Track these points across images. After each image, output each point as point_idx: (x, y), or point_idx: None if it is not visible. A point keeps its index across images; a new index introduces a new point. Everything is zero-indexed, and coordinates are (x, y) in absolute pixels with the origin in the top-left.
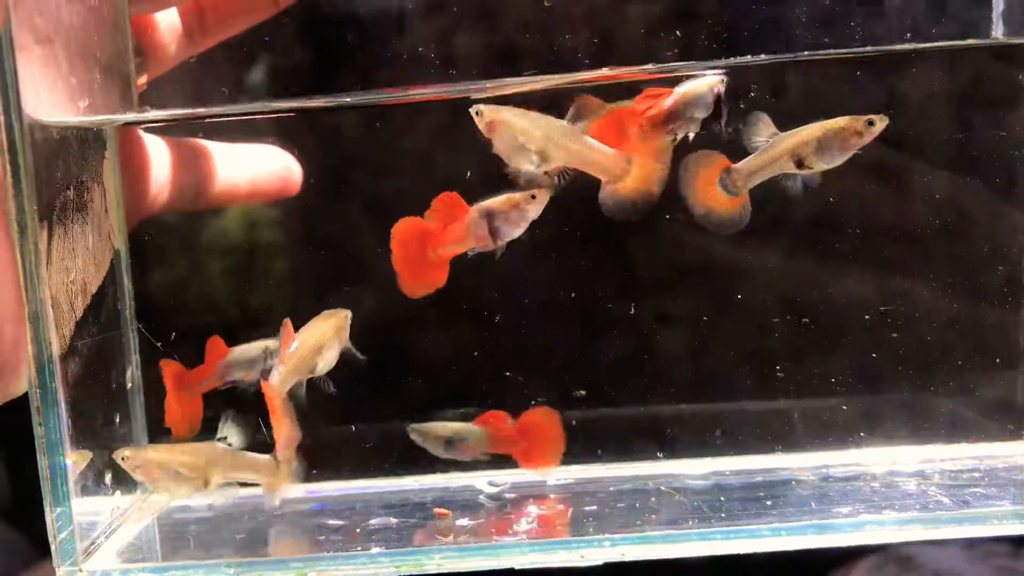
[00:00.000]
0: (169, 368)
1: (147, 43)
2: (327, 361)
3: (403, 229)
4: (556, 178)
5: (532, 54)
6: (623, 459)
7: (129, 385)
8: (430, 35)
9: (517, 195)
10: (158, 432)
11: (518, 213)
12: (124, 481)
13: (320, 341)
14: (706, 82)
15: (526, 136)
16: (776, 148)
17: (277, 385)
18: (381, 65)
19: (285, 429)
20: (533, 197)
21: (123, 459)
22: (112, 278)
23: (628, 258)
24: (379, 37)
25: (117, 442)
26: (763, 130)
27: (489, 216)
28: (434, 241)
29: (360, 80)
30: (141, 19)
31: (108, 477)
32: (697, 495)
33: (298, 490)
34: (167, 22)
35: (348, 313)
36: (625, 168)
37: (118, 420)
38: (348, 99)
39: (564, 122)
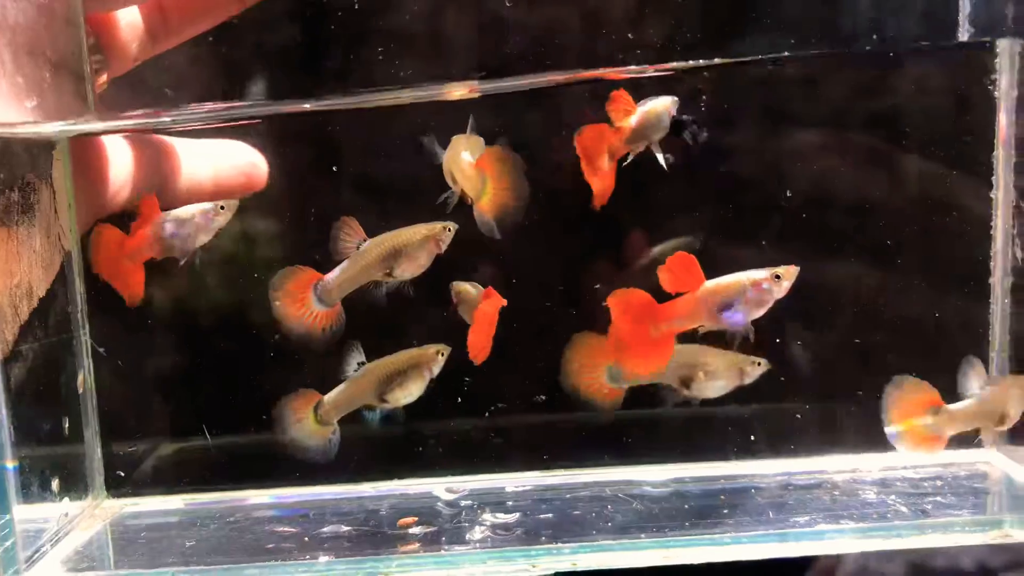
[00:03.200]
0: (108, 232)
1: (107, 41)
2: (406, 268)
3: (623, 300)
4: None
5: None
6: (580, 465)
7: (81, 390)
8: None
9: (757, 272)
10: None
11: (759, 294)
12: (73, 487)
13: (394, 246)
14: (662, 103)
15: (447, 156)
16: None
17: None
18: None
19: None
20: (777, 278)
21: None
22: (62, 281)
23: (592, 260)
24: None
25: (65, 448)
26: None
27: (720, 297)
28: (658, 315)
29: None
30: (101, 17)
31: (55, 483)
32: (656, 502)
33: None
34: (128, 20)
35: (448, 225)
36: (477, 188)
37: (67, 425)
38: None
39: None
